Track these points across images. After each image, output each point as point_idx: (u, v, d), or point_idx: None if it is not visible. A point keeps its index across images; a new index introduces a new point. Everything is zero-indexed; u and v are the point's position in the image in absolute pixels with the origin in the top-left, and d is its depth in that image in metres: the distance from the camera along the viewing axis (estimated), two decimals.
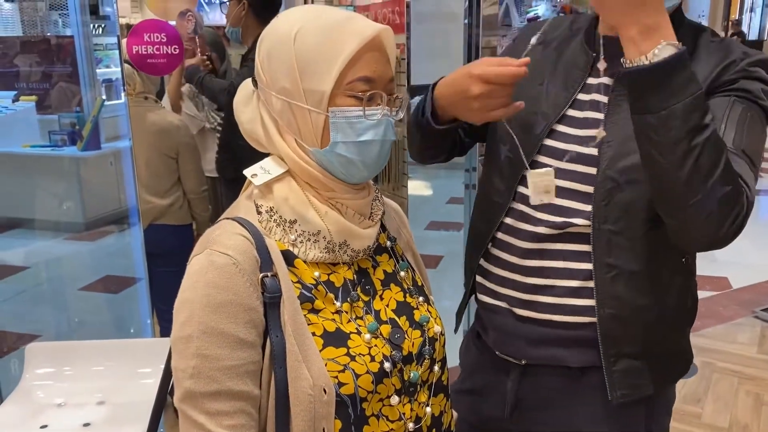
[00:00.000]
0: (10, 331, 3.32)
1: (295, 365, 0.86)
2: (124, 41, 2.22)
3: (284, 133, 0.93)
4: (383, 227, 1.05)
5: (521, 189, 1.18)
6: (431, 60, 1.42)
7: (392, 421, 0.93)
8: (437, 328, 1.02)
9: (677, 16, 1.11)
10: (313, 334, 0.89)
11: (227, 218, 0.94)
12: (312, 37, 0.88)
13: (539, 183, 1.11)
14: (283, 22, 0.92)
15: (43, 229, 4.60)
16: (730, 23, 10.01)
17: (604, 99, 1.13)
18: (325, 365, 0.87)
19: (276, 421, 0.87)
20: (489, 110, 1.08)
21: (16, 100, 4.35)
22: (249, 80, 0.97)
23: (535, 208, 1.15)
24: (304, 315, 0.89)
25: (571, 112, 1.15)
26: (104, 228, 4.67)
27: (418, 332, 0.99)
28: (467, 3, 2.58)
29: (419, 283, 1.07)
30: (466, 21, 2.57)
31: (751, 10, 14.54)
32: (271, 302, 0.87)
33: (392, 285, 1.01)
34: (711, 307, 3.94)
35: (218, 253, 0.87)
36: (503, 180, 1.21)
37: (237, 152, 2.71)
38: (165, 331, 2.56)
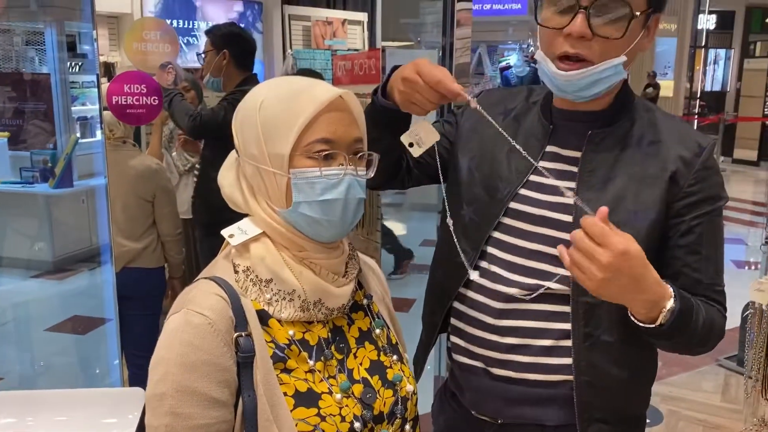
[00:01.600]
0: None
1: (266, 425, 0.88)
2: (104, 81, 2.25)
3: (257, 196, 0.97)
4: (360, 285, 1.08)
5: (489, 249, 1.22)
6: None
7: None
8: (410, 387, 1.04)
9: (625, 93, 1.19)
10: (285, 393, 0.91)
11: (204, 278, 0.96)
12: (274, 105, 0.94)
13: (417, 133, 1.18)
14: (252, 93, 0.98)
15: (10, 267, 4.52)
16: (647, 75, 10.59)
17: (571, 168, 1.18)
18: (296, 425, 0.89)
19: None
20: (409, 99, 1.15)
21: None
22: (234, 150, 1.01)
23: (507, 269, 1.19)
24: (277, 375, 0.91)
25: (535, 178, 1.20)
26: (73, 267, 4.61)
27: (390, 391, 1.01)
28: (440, 53, 2.67)
29: (393, 341, 1.09)
30: None
31: (714, 62, 15.10)
32: (245, 362, 0.89)
33: (366, 343, 1.03)
34: (677, 355, 4.00)
35: (194, 313, 0.89)
36: (468, 241, 1.25)
37: (212, 198, 2.75)
38: (133, 376, 2.53)
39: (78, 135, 4.86)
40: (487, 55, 5.95)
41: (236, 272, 0.96)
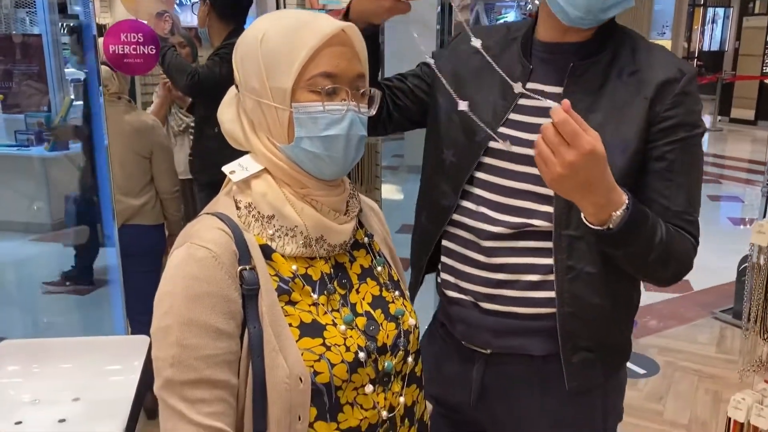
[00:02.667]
0: None
1: (272, 355, 0.89)
2: (101, 41, 2.21)
3: (258, 131, 0.97)
4: (360, 224, 1.08)
5: (469, 188, 1.24)
6: (404, 64, 1.45)
7: (366, 410, 0.96)
8: (411, 321, 1.05)
9: (609, 22, 1.18)
10: (290, 325, 0.92)
11: (207, 213, 0.97)
12: (276, 38, 0.93)
13: None
14: (252, 27, 0.97)
15: (8, 230, 4.51)
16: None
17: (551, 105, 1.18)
18: (301, 355, 0.90)
19: (253, 409, 0.89)
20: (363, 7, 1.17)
21: None
22: (234, 86, 1.01)
23: (494, 209, 1.21)
24: (281, 307, 0.92)
25: (515, 117, 1.20)
26: (71, 229, 4.60)
27: (393, 325, 1.02)
28: (439, 9, 2.64)
29: (395, 278, 1.10)
30: (438, 27, 2.63)
31: (713, 21, 14.92)
32: (249, 294, 0.90)
33: (368, 279, 1.04)
34: (673, 309, 4.06)
35: (198, 246, 0.90)
36: (449, 183, 1.26)
37: (210, 156, 2.73)
38: (135, 332, 2.54)
39: (72, 97, 4.80)
40: (485, 12, 5.88)
41: (238, 208, 0.96)
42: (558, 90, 1.17)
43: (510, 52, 1.24)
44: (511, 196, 1.19)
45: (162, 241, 2.78)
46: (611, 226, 1.03)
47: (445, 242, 1.30)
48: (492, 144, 1.19)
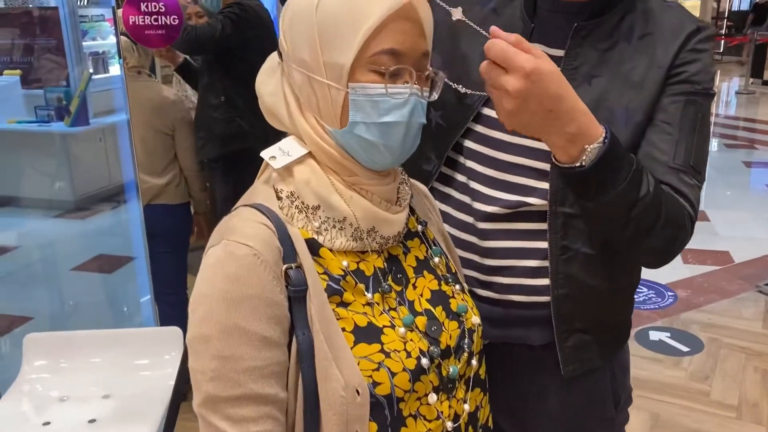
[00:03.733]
0: (1, 314, 3.23)
1: (325, 364, 0.79)
2: (119, 12, 2.09)
3: (305, 111, 0.85)
4: (412, 211, 0.98)
5: (458, 158, 1.13)
6: None
7: (430, 421, 0.86)
8: (475, 319, 0.95)
9: None
10: (343, 329, 0.81)
11: (245, 205, 0.85)
12: (335, 4, 0.80)
13: None
14: None
15: (31, 207, 4.48)
16: None
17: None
18: (358, 364, 0.80)
19: (305, 425, 0.79)
20: None
21: None
22: (275, 52, 0.88)
23: (488, 185, 1.10)
24: (333, 309, 0.82)
25: None
26: (95, 206, 4.56)
27: (455, 323, 0.92)
28: None
29: (453, 270, 0.99)
30: None
31: None
32: (297, 296, 0.79)
33: (425, 272, 0.93)
34: (714, 282, 3.91)
35: (237, 244, 0.79)
36: (434, 148, 1.14)
37: (215, 127, 2.59)
38: (163, 313, 2.48)
39: (91, 71, 4.72)
40: None
41: (279, 198, 0.85)
42: (560, 53, 1.05)
43: (512, 7, 1.12)
44: (505, 170, 1.08)
45: (188, 220, 2.71)
46: (584, 162, 0.89)
47: None
48: (484, 110, 1.08)
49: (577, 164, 0.90)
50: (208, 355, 0.77)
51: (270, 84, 0.88)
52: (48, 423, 1.32)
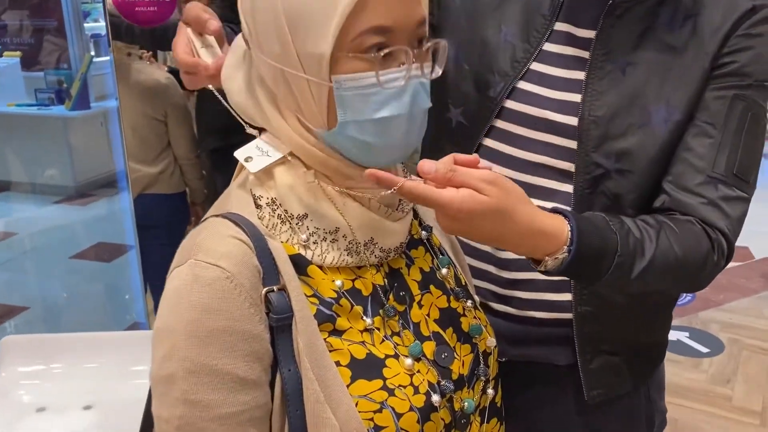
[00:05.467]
0: None
1: (316, 407, 0.66)
2: None
3: (284, 110, 0.71)
4: (415, 214, 0.84)
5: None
6: None
7: None
8: (491, 341, 0.83)
9: None
10: (337, 363, 0.68)
11: (215, 215, 0.72)
12: None
13: None
14: None
15: (30, 192, 4.40)
16: None
17: (583, 54, 0.93)
18: (356, 405, 0.67)
19: None
20: None
21: None
22: (240, 37, 0.74)
23: None
24: (325, 339, 0.69)
25: (537, 67, 0.95)
26: (95, 192, 4.48)
27: (467, 347, 0.79)
28: None
29: (462, 282, 0.86)
30: None
31: None
32: (280, 326, 0.67)
33: (432, 287, 0.81)
34: (733, 279, 3.77)
35: (205, 265, 0.66)
36: (456, 151, 1.02)
37: (213, 116, 2.46)
38: (158, 306, 2.39)
39: (92, 53, 4.60)
40: None
41: (258, 206, 0.71)
42: (590, 34, 0.92)
43: None
44: (524, 170, 0.96)
45: (185, 210, 2.60)
46: (547, 268, 0.80)
47: None
48: (507, 103, 0.95)
49: (541, 269, 0.80)
50: (173, 400, 0.64)
51: (237, 78, 0.74)
52: None
